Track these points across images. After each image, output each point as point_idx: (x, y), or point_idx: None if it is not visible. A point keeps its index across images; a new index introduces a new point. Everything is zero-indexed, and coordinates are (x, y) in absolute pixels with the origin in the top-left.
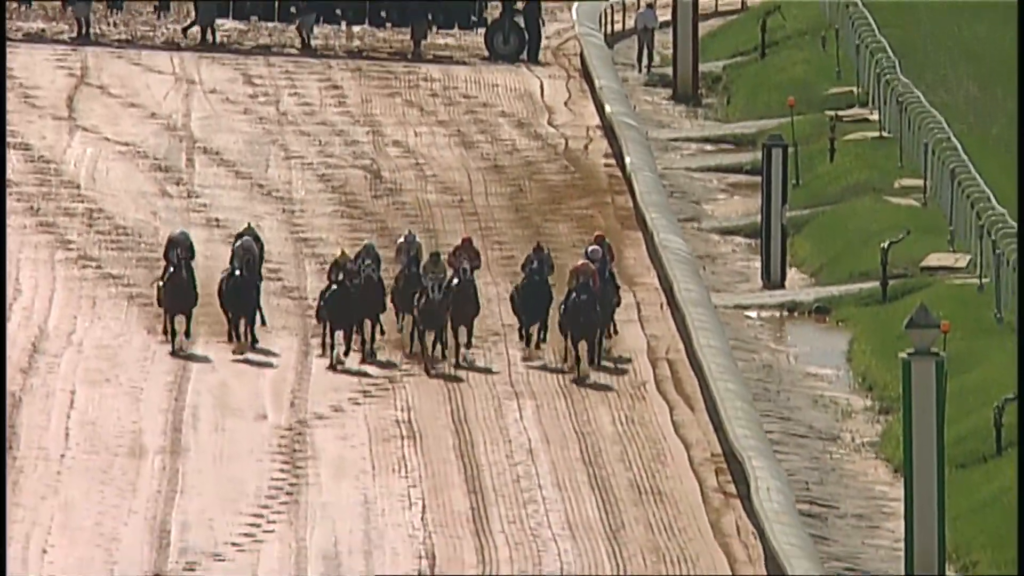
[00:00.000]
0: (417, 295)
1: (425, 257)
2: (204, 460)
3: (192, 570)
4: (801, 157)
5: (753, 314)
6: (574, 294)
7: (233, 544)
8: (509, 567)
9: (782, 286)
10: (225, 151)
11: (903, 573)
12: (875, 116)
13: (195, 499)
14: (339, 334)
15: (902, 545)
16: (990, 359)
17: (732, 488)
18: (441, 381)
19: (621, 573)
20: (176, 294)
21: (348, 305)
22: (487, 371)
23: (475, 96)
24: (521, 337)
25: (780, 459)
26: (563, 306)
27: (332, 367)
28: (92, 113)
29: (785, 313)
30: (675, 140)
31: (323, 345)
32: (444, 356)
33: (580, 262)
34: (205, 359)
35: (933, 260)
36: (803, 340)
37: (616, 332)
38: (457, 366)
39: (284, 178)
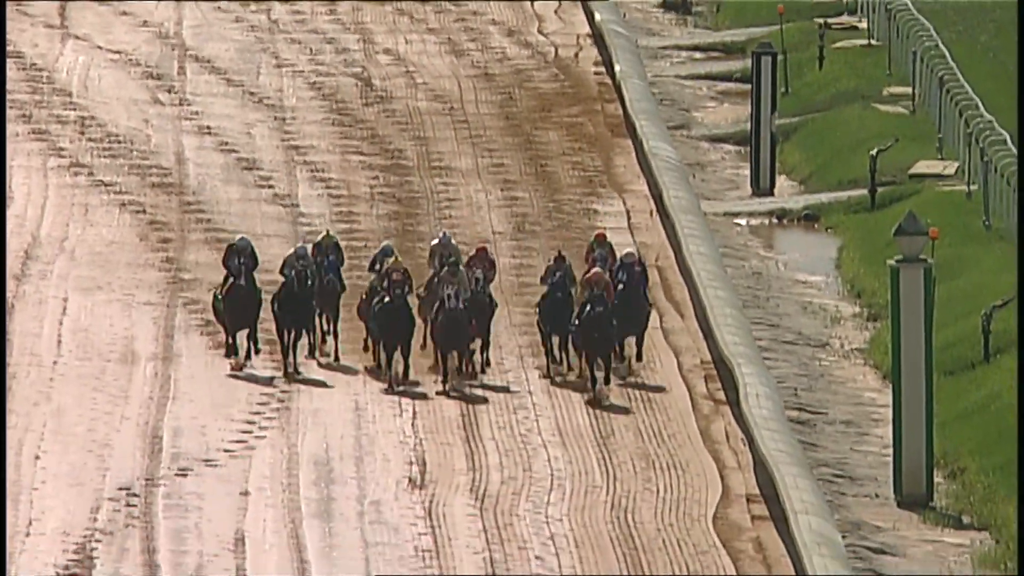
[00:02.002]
0: (434, 310)
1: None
2: (196, 367)
3: (184, 476)
4: (790, 65)
5: (742, 221)
6: (588, 306)
7: (225, 450)
8: (499, 473)
9: (771, 193)
10: (217, 59)
11: (891, 479)
12: (864, 24)
13: (187, 406)
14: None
15: (890, 451)
16: (978, 265)
17: (721, 395)
18: None
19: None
20: (237, 307)
21: (401, 318)
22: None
23: (465, 4)
24: (547, 356)
25: (769, 366)
26: (576, 320)
27: (391, 388)
28: (84, 21)
29: (774, 220)
30: (665, 48)
31: (376, 360)
32: (466, 370)
33: (593, 271)
34: (196, 265)
35: (921, 167)
36: (792, 247)
37: (640, 358)
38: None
39: (275, 86)
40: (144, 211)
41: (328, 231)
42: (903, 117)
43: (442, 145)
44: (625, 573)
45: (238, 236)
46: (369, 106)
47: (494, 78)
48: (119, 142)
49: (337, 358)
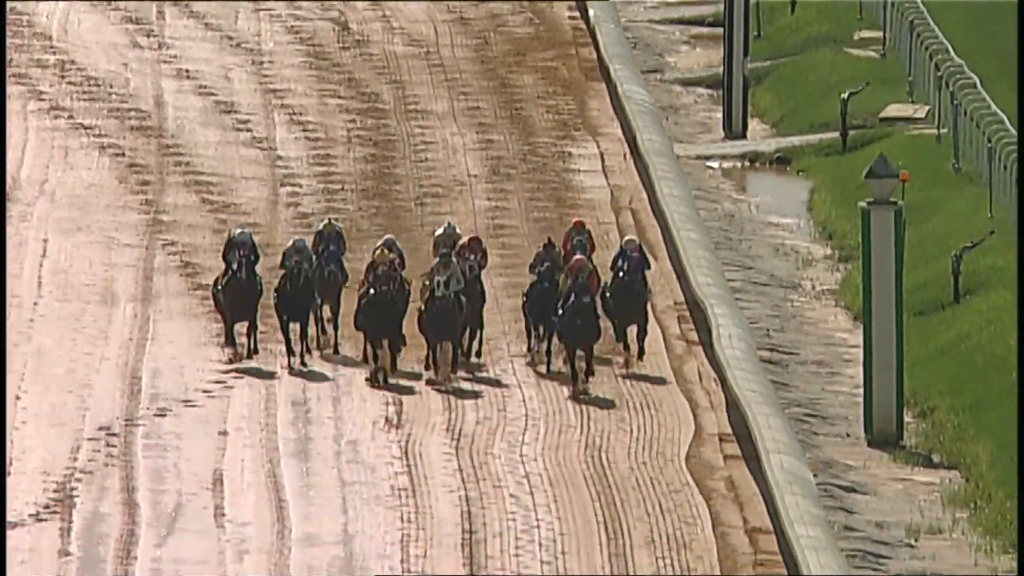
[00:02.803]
0: (425, 299)
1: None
2: (175, 308)
3: (163, 416)
4: (763, 9)
5: (715, 164)
6: (572, 296)
7: (203, 391)
8: (474, 413)
9: (743, 137)
10: (195, 3)
11: (862, 418)
12: None
13: (166, 346)
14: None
15: (861, 391)
16: (948, 208)
17: (694, 335)
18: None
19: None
20: (236, 300)
21: (387, 311)
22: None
23: None
24: (528, 349)
25: (741, 307)
26: (559, 310)
27: (374, 381)
28: None
29: (746, 163)
30: None
31: (365, 357)
32: (455, 367)
33: (576, 259)
34: (175, 207)
35: (892, 111)
36: (764, 190)
37: (642, 354)
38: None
39: (253, 30)
40: (123, 154)
41: (330, 219)
42: (874, 61)
43: (418, 89)
44: (599, 511)
45: (238, 230)
46: (346, 50)
47: (469, 22)
48: (98, 85)
49: (336, 350)
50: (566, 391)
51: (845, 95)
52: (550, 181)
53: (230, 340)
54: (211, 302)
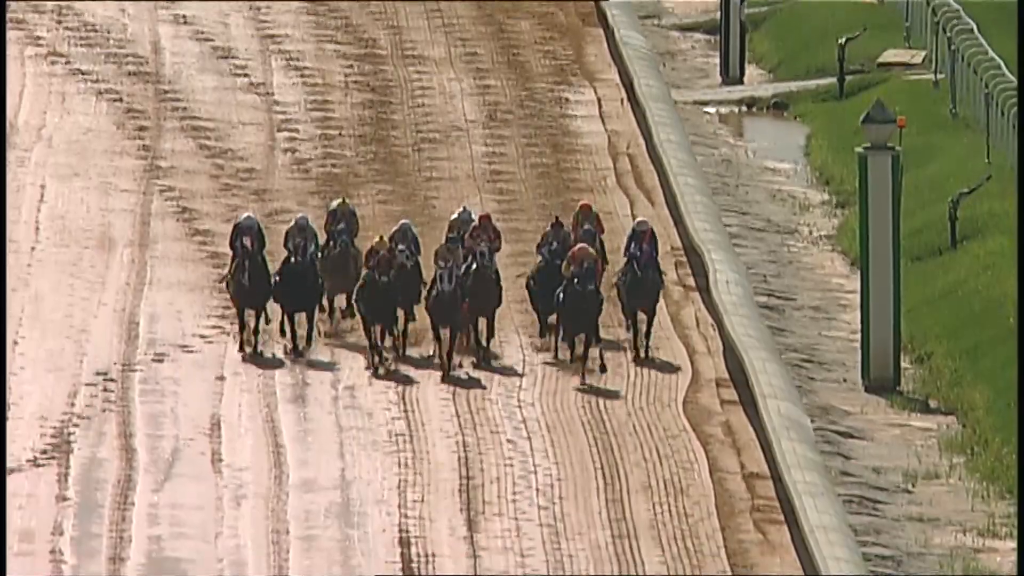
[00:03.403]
0: (428, 286)
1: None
2: (172, 253)
3: (160, 361)
4: None
5: (712, 110)
6: (575, 282)
7: (201, 336)
8: (471, 359)
9: (741, 82)
10: None
11: (859, 363)
12: None
13: (163, 292)
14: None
15: (858, 336)
16: (945, 153)
17: (691, 281)
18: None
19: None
20: (245, 288)
21: (384, 298)
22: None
23: None
24: (542, 334)
25: (738, 252)
26: (561, 295)
27: (374, 368)
28: None
29: (743, 108)
30: None
31: (369, 348)
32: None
33: (579, 246)
34: (172, 153)
35: (889, 56)
36: (761, 135)
37: (646, 350)
38: (477, 366)
39: None
40: (121, 99)
41: (344, 198)
42: (871, 6)
43: (415, 34)
44: (596, 456)
45: (244, 215)
46: None
47: None
48: (96, 31)
49: (333, 326)
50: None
51: (842, 40)
52: (547, 127)
53: (242, 328)
54: (208, 247)
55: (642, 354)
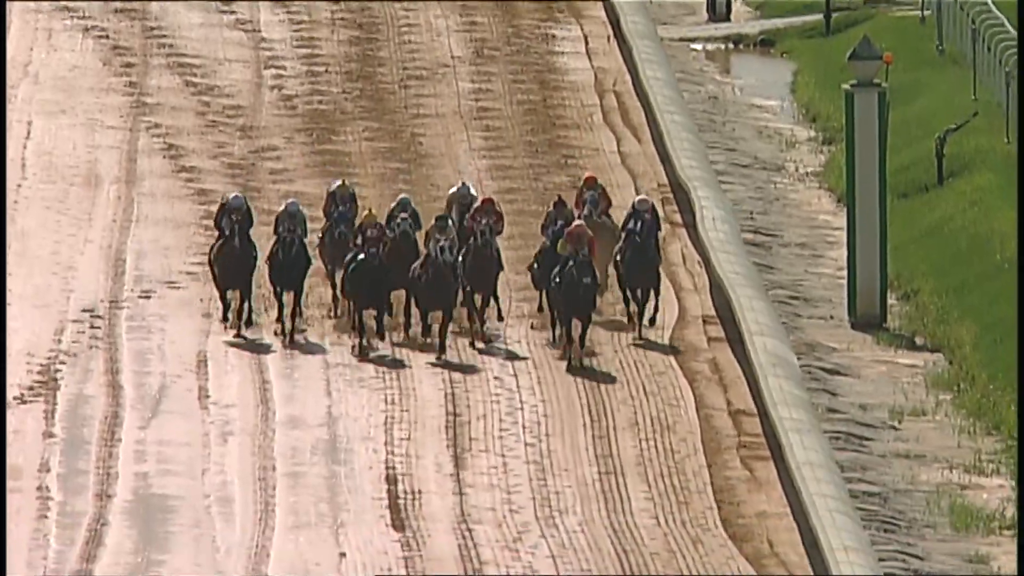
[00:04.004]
0: (419, 265)
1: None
2: (158, 190)
3: (147, 298)
4: None
5: (698, 46)
6: (569, 264)
7: (187, 272)
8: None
9: (727, 19)
10: None
11: (845, 300)
12: None
13: (150, 228)
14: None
15: (844, 273)
16: (932, 90)
17: (678, 217)
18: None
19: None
20: (229, 267)
21: (376, 277)
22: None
23: None
24: (540, 309)
25: (725, 189)
26: (555, 278)
27: (362, 353)
28: None
29: (730, 45)
30: None
31: (353, 329)
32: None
33: (575, 225)
34: (159, 89)
35: None
36: (748, 72)
37: (654, 320)
38: (473, 345)
39: None
40: (107, 36)
41: (344, 181)
42: None
43: None
44: (582, 393)
45: (232, 194)
46: None
47: None
48: None
49: (338, 314)
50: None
51: None
52: (534, 64)
53: (224, 309)
54: (195, 184)
55: (643, 332)
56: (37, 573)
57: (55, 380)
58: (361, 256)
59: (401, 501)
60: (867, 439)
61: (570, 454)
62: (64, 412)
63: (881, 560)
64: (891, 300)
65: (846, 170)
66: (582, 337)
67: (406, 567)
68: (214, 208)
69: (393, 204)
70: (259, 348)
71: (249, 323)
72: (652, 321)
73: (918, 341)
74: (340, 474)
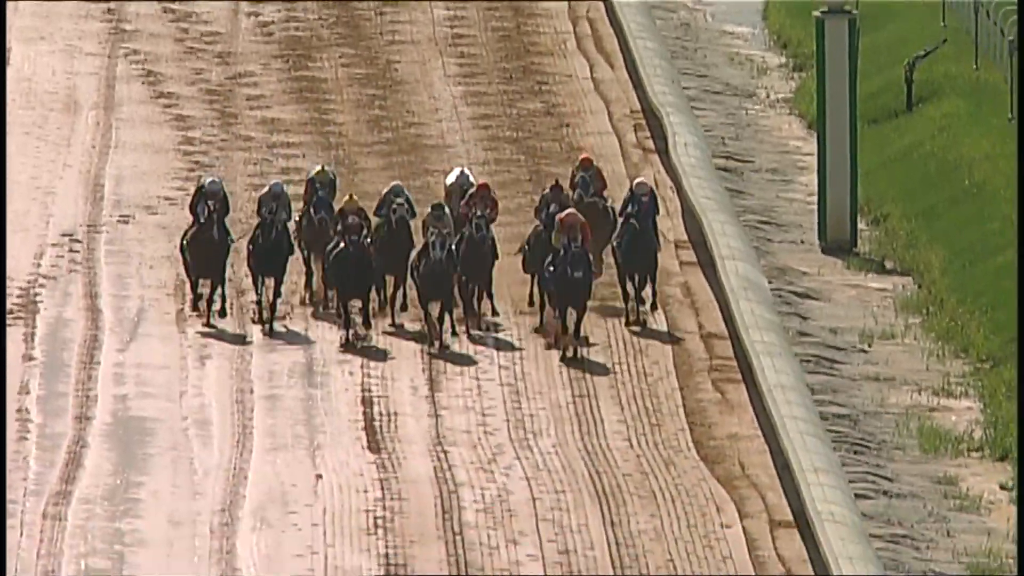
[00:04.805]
0: (416, 256)
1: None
2: (137, 116)
3: (126, 223)
4: None
5: None
6: (562, 252)
7: (166, 198)
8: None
9: None
10: None
11: (816, 225)
12: None
13: (128, 154)
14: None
15: (815, 198)
16: (901, 17)
17: (651, 143)
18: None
19: None
20: (202, 255)
21: (360, 266)
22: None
23: None
24: (531, 303)
25: (697, 115)
26: (549, 266)
27: (348, 345)
28: None
29: None
30: None
31: (339, 319)
32: (454, 331)
33: (567, 213)
34: (137, 16)
35: None
36: None
37: (655, 306)
38: (470, 337)
39: None
40: None
41: (324, 166)
42: None
43: None
44: (555, 314)
45: (208, 179)
46: None
47: None
48: None
49: (327, 305)
50: (523, 199)
51: None
52: None
53: (195, 298)
54: (173, 110)
55: (640, 319)
56: (17, 494)
57: (35, 303)
58: (342, 245)
59: (377, 423)
60: (837, 362)
61: (544, 377)
62: (44, 335)
63: (851, 481)
64: (861, 225)
65: (816, 96)
66: (576, 327)
67: (381, 488)
68: (192, 134)
69: (386, 190)
70: (236, 270)
71: (222, 314)
72: (654, 306)
73: (887, 265)
74: (316, 397)
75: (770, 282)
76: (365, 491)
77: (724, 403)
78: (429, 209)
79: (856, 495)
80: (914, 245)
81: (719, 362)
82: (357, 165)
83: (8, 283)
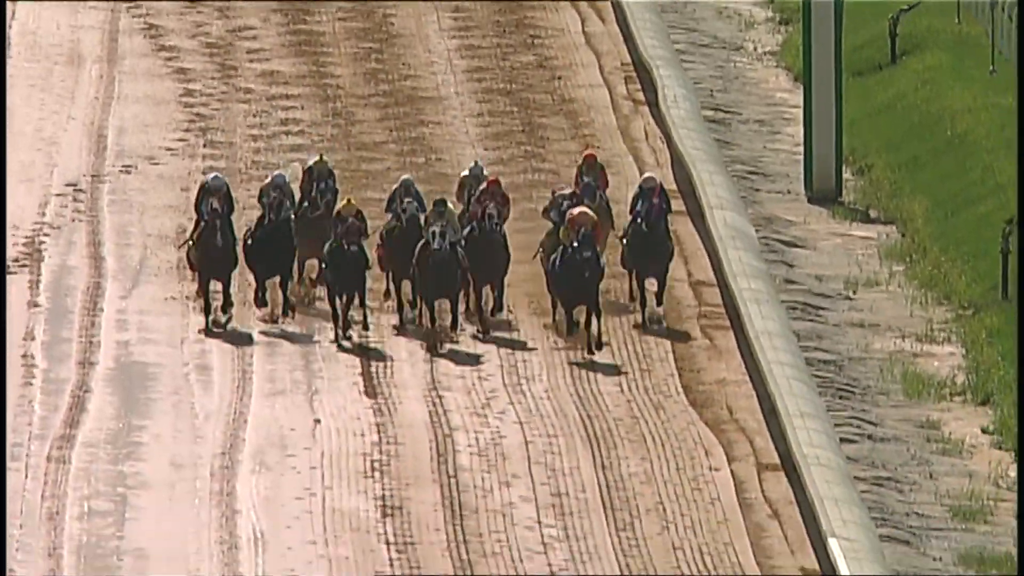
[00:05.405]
0: (418, 251)
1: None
2: (139, 68)
3: (128, 173)
4: None
5: None
6: (572, 248)
7: (167, 149)
8: None
9: None
10: None
11: (802, 175)
12: None
13: (131, 106)
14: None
15: (801, 149)
16: None
17: (641, 95)
18: None
19: None
20: (210, 256)
21: (355, 269)
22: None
23: None
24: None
25: (686, 68)
26: (557, 262)
27: (338, 342)
28: None
29: None
30: None
31: (333, 319)
32: (455, 327)
33: (579, 210)
34: None
35: None
36: None
37: (660, 302)
38: (483, 333)
39: None
40: None
41: (321, 155)
42: None
43: None
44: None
45: (211, 175)
46: None
47: None
48: None
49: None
50: (522, 141)
51: None
52: None
53: (205, 300)
54: (174, 63)
55: (650, 324)
56: (23, 437)
57: (39, 252)
58: (337, 246)
59: (373, 369)
60: (823, 309)
61: (536, 318)
62: (48, 282)
63: (836, 425)
64: (846, 175)
65: (803, 49)
66: (587, 325)
67: (378, 432)
68: (193, 86)
69: (396, 186)
70: (238, 218)
71: (229, 305)
72: (659, 301)
73: (872, 214)
74: (315, 343)
75: (757, 231)
76: (362, 435)
77: (712, 349)
78: (432, 205)
79: (841, 439)
80: (898, 195)
81: (707, 309)
82: (354, 117)
83: (13, 232)
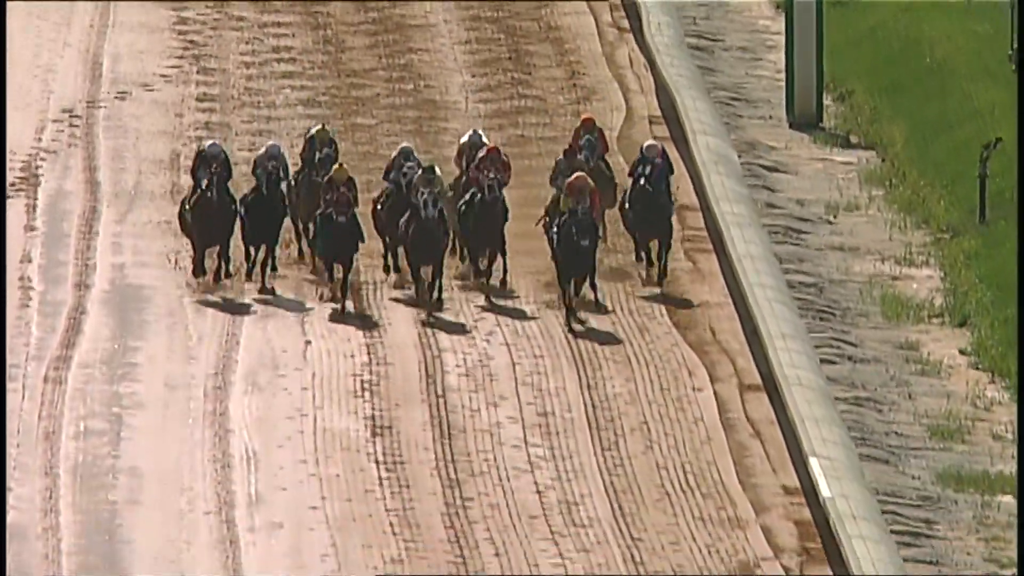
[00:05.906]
0: (406, 217)
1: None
2: None
3: (123, 99)
4: None
5: None
6: (568, 221)
7: (162, 76)
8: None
9: None
10: None
11: (784, 101)
12: None
13: (126, 33)
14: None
15: (783, 75)
16: None
17: (625, 23)
18: None
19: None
20: (206, 222)
21: (343, 233)
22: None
23: None
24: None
25: None
26: (555, 230)
27: (338, 311)
28: None
29: None
30: None
31: (327, 280)
32: (440, 295)
33: (576, 176)
34: None
35: None
36: None
37: (664, 274)
38: (488, 304)
39: None
40: None
41: (324, 124)
42: None
43: None
44: (540, 196)
45: (208, 142)
46: None
47: None
48: None
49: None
50: (511, 74)
51: None
52: None
53: (200, 267)
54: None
55: (655, 283)
56: (20, 359)
57: (36, 176)
58: (329, 212)
59: (363, 291)
60: (804, 232)
61: (524, 246)
62: (44, 207)
63: (816, 347)
64: (827, 101)
65: None
66: (577, 291)
67: (368, 353)
68: (186, 14)
69: (395, 153)
70: (234, 140)
71: (228, 274)
72: (663, 272)
73: (852, 139)
74: (307, 268)
75: (739, 156)
76: (352, 356)
77: (696, 272)
78: (420, 172)
79: (821, 360)
80: (877, 120)
81: (691, 232)
82: (344, 44)
83: (11, 157)
